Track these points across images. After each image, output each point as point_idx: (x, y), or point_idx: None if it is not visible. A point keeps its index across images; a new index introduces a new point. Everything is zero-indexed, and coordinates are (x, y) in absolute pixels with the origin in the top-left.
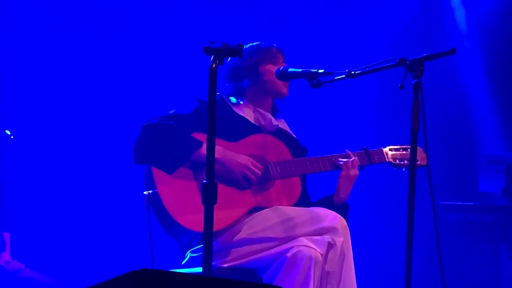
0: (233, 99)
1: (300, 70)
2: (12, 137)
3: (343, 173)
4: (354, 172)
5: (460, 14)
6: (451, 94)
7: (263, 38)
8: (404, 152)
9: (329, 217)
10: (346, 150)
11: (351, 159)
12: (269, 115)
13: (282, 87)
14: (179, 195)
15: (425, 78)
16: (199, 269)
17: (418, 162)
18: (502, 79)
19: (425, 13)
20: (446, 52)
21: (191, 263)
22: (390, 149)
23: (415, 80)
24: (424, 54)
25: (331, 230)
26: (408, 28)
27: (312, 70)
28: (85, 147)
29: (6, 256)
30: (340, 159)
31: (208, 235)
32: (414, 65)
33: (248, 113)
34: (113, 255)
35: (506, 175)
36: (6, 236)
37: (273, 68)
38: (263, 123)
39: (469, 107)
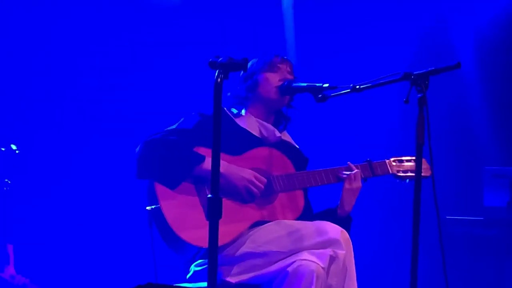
0: (234, 110)
1: (305, 84)
2: (17, 151)
3: (346, 186)
4: (357, 184)
5: (464, 27)
6: (456, 109)
7: (268, 51)
8: (407, 163)
9: (332, 230)
10: (348, 163)
11: (354, 172)
12: (271, 127)
13: (276, 95)
14: (182, 210)
15: (429, 92)
16: (203, 284)
17: (422, 174)
18: (506, 93)
19: (431, 26)
20: (452, 66)
21: (195, 278)
22: (394, 161)
23: (420, 95)
24: (429, 69)
25: (333, 243)
26: (415, 41)
27: (317, 84)
28: (89, 161)
29: (11, 270)
30: (343, 172)
31: (213, 250)
32: (419, 79)
33: (250, 125)
34: (118, 270)
35: (510, 189)
36: (10, 248)
37: (271, 76)
38: (265, 134)
39: (473, 121)
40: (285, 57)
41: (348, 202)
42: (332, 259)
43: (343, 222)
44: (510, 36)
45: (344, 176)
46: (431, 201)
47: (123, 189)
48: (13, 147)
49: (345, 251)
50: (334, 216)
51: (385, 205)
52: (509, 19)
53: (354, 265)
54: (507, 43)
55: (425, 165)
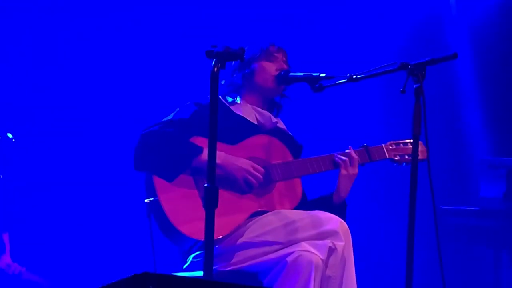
0: (229, 98)
1: (301, 74)
2: (13, 140)
3: (343, 172)
4: (354, 171)
5: (457, 20)
6: (452, 99)
7: (265, 41)
8: (404, 146)
9: (331, 221)
10: (350, 147)
11: (351, 158)
12: (267, 113)
13: (273, 83)
14: (180, 203)
15: (425, 82)
16: (200, 273)
17: (419, 156)
18: (502, 83)
19: (425, 17)
20: (448, 56)
21: (192, 267)
22: (391, 145)
23: (417, 85)
24: (426, 59)
25: (332, 234)
26: (410, 32)
27: (314, 74)
28: (87, 151)
29: (7, 258)
30: (340, 157)
31: (209, 238)
32: (416, 69)
33: (246, 112)
34: (115, 259)
35: (507, 180)
36: (5, 237)
37: (267, 65)
38: (262, 121)
39: (470, 112)
40: (281, 46)
41: (345, 189)
42: (331, 250)
43: (339, 208)
44: (504, 26)
45: (340, 161)
46: (427, 191)
47: (122, 179)
48: (9, 135)
49: (344, 242)
50: (330, 203)
51: (380, 194)
52: (502, 10)
53: (352, 256)
54: (501, 33)
55: (421, 147)
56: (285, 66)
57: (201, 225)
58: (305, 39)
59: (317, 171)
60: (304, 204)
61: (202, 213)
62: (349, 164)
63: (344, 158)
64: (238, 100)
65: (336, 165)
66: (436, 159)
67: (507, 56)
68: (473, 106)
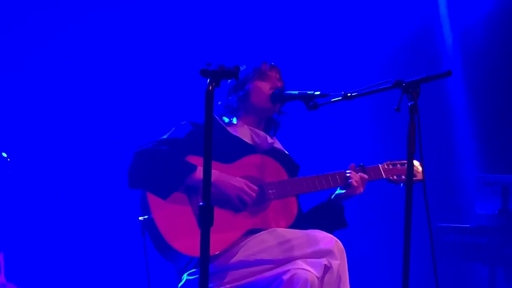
0: (225, 119)
1: (296, 92)
2: (8, 159)
3: (354, 191)
4: (361, 190)
5: (449, 37)
6: (447, 116)
7: (258, 58)
8: (401, 167)
9: (326, 239)
10: (352, 164)
11: (359, 178)
12: (263, 133)
13: (268, 103)
14: (174, 220)
15: (419, 99)
16: None
17: (415, 178)
18: (495, 101)
19: (416, 33)
20: (442, 74)
21: (187, 286)
22: (387, 165)
23: (411, 102)
24: (420, 76)
25: (327, 252)
26: (404, 50)
27: (308, 92)
28: (81, 169)
29: (1, 278)
30: (348, 176)
31: (204, 257)
32: (410, 87)
33: (242, 133)
34: (110, 278)
35: (502, 196)
36: (0, 256)
37: (261, 85)
38: (258, 141)
39: (465, 129)
40: (273, 63)
41: (345, 199)
42: (327, 268)
43: (338, 210)
44: (496, 39)
45: (352, 181)
46: (423, 208)
47: (116, 197)
48: (4, 155)
49: (339, 261)
50: (329, 207)
51: (375, 212)
52: (493, 22)
53: (347, 274)
54: (493, 46)
55: (417, 168)
56: (279, 84)
57: (195, 241)
58: (297, 55)
59: (312, 190)
60: (300, 221)
61: (196, 229)
62: (361, 183)
63: (353, 178)
64: (234, 120)
65: (329, 185)
66: (431, 176)
67: (499, 72)
68: (469, 122)
